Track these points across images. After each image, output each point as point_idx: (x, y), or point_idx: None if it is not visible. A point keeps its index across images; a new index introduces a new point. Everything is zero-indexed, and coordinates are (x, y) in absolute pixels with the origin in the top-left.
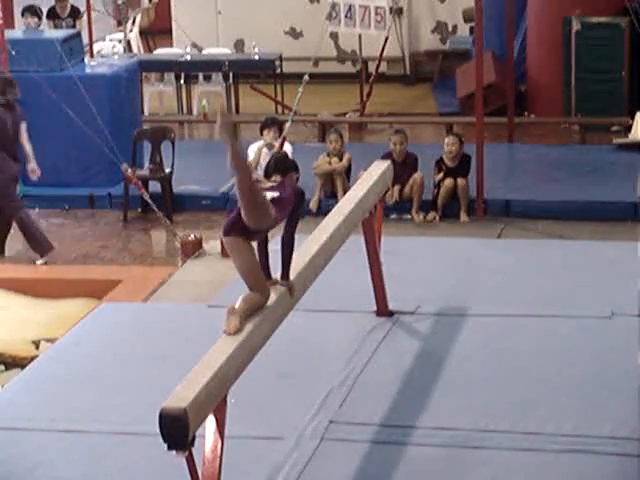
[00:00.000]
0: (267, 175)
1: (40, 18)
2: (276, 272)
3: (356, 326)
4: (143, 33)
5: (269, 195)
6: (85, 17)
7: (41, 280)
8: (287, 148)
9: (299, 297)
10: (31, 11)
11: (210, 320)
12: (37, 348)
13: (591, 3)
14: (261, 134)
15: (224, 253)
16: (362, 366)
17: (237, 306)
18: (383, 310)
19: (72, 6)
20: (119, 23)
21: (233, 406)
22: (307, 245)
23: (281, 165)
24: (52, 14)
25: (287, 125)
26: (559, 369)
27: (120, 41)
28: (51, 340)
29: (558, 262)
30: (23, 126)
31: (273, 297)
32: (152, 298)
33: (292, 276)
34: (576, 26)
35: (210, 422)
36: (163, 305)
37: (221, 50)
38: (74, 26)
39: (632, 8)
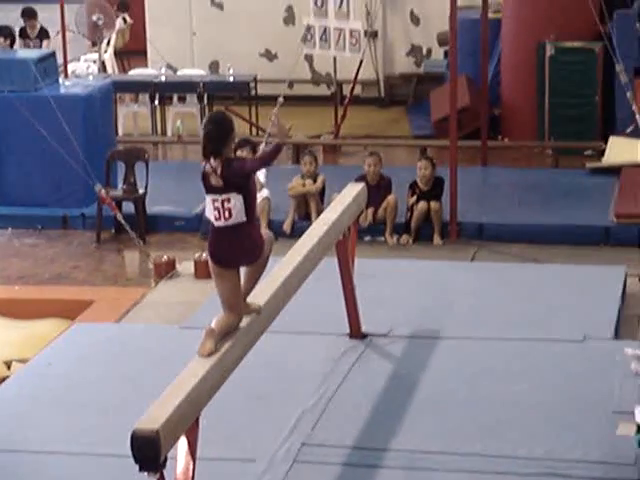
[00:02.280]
0: (205, 155)
1: (7, 38)
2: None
3: (329, 348)
4: (118, 54)
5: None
6: (56, 38)
7: (13, 300)
8: (261, 170)
9: (273, 318)
10: None
11: (183, 341)
12: (9, 369)
13: (565, 28)
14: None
15: (197, 274)
16: (335, 388)
17: (213, 327)
18: (356, 332)
19: (41, 27)
20: (94, 44)
21: (205, 428)
22: (281, 267)
23: (215, 145)
24: (23, 34)
25: (261, 147)
26: (531, 392)
27: (95, 61)
28: (23, 361)
29: (531, 285)
30: None
31: (245, 319)
32: (125, 319)
33: (264, 299)
34: (550, 51)
35: (182, 444)
36: (136, 326)
37: (196, 71)
38: (41, 47)
39: (606, 33)
